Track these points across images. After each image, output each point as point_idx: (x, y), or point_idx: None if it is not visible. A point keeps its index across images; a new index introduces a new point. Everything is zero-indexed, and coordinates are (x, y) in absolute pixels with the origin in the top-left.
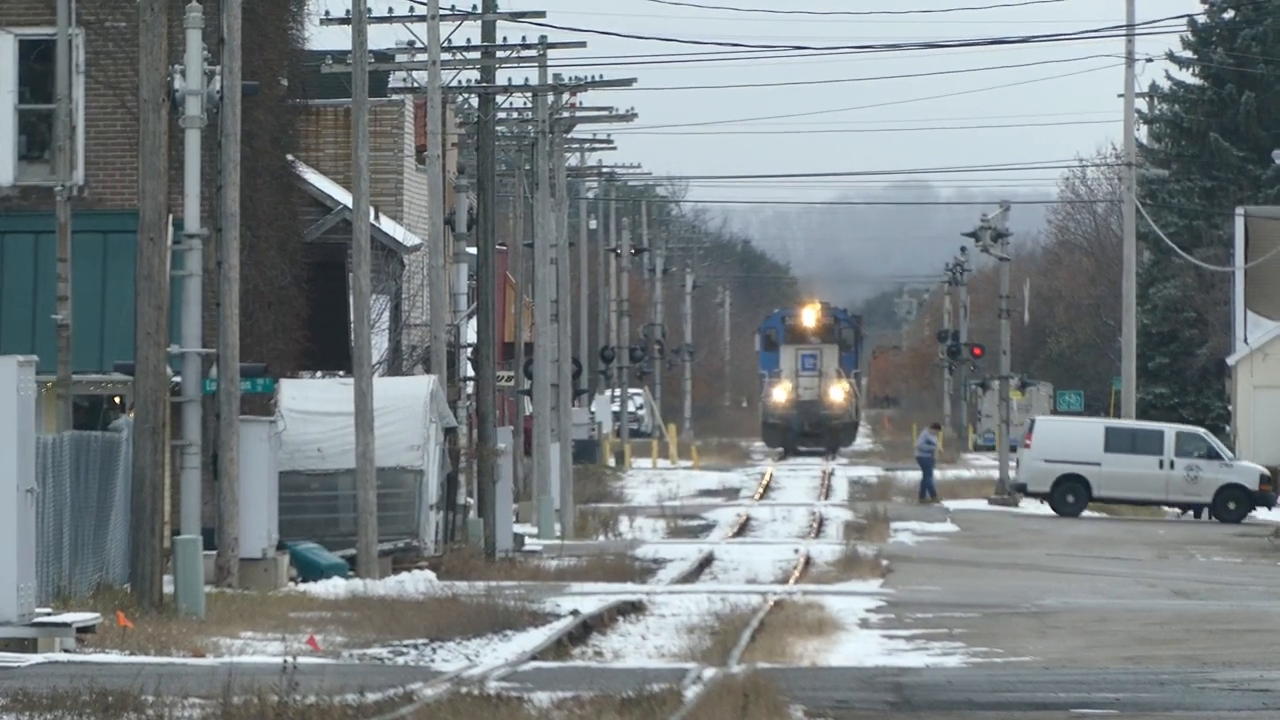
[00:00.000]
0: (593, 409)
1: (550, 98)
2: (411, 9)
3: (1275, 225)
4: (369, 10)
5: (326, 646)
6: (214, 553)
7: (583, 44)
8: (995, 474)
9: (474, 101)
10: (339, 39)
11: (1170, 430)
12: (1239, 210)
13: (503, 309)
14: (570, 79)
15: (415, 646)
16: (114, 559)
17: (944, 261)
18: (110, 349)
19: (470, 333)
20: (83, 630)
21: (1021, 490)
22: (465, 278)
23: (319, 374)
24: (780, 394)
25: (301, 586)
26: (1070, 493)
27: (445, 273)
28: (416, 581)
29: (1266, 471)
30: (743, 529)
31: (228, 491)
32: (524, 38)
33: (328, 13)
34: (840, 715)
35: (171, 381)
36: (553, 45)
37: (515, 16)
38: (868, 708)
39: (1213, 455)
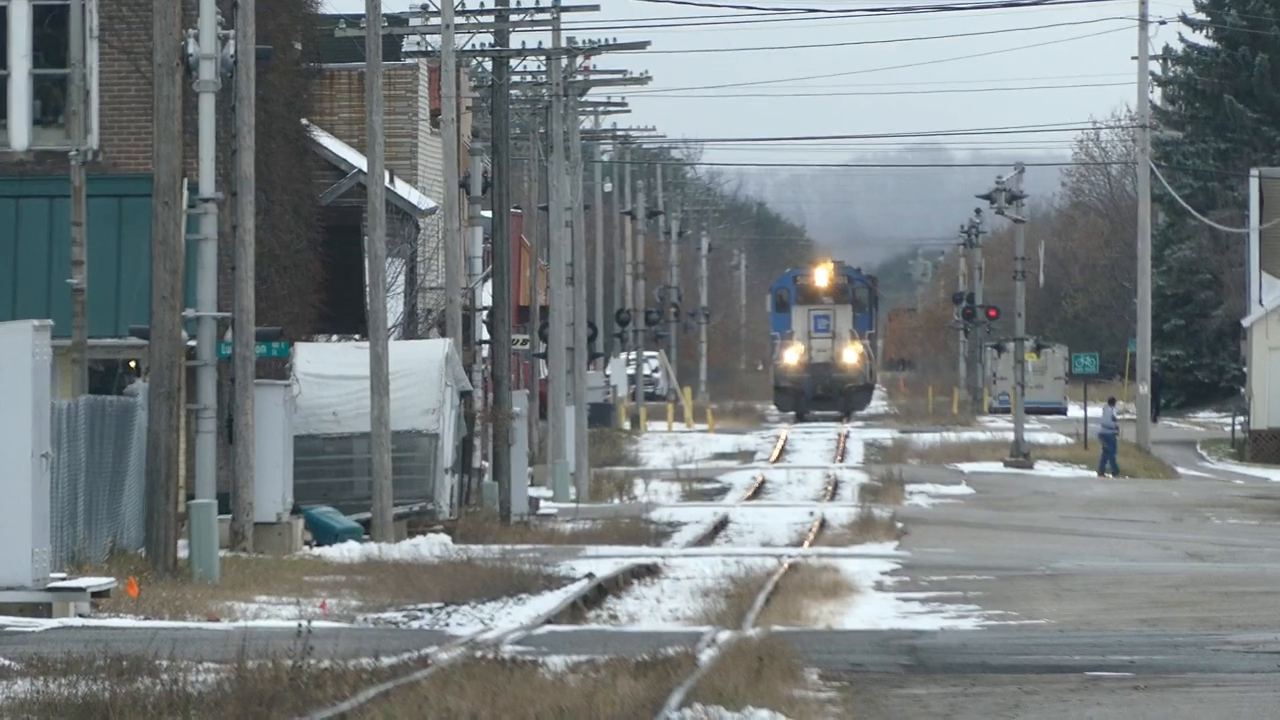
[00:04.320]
0: (608, 372)
1: (564, 61)
2: None
3: None
4: None
5: (341, 610)
6: (229, 517)
7: (596, 7)
8: (1010, 436)
9: (488, 65)
10: (352, 3)
11: None
12: (1253, 172)
13: (518, 272)
14: (584, 42)
15: (430, 610)
16: (129, 523)
17: (959, 224)
18: (125, 313)
19: (485, 296)
20: (97, 595)
21: None
22: (480, 241)
23: (334, 338)
24: (792, 356)
25: (316, 550)
26: None
27: (460, 236)
28: (431, 545)
29: None
30: (758, 492)
31: (243, 456)
32: (537, 1)
33: None
34: (855, 678)
35: (186, 345)
36: (566, 8)
37: None
38: (883, 670)
39: None
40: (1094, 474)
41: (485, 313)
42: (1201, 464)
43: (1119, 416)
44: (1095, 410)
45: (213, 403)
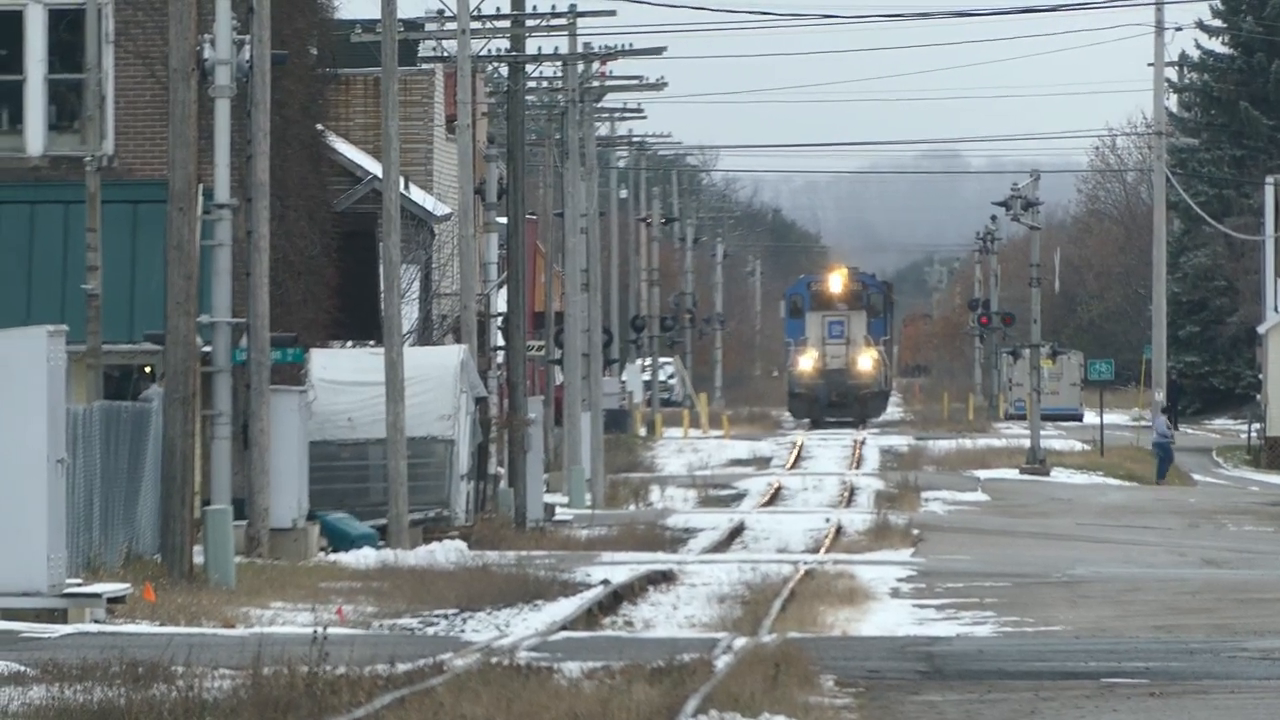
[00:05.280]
0: (623, 378)
1: (580, 67)
2: None
3: None
4: None
5: (357, 617)
6: (244, 523)
7: (612, 13)
8: (1026, 443)
9: (504, 71)
10: (368, 7)
11: None
12: (1269, 179)
13: (533, 278)
14: (600, 48)
15: (445, 616)
16: (144, 529)
17: (974, 230)
18: (140, 319)
19: (501, 302)
20: (113, 601)
21: None
22: (495, 247)
23: (349, 344)
24: (806, 363)
25: (332, 556)
26: None
27: (475, 242)
28: (447, 551)
29: None
30: (773, 498)
31: (258, 462)
32: (553, 6)
33: None
34: (871, 685)
35: (202, 351)
36: (582, 14)
37: None
38: (899, 677)
39: None
40: (1112, 480)
41: (500, 319)
42: (1217, 471)
43: (1138, 422)
44: (1114, 416)
45: (228, 408)
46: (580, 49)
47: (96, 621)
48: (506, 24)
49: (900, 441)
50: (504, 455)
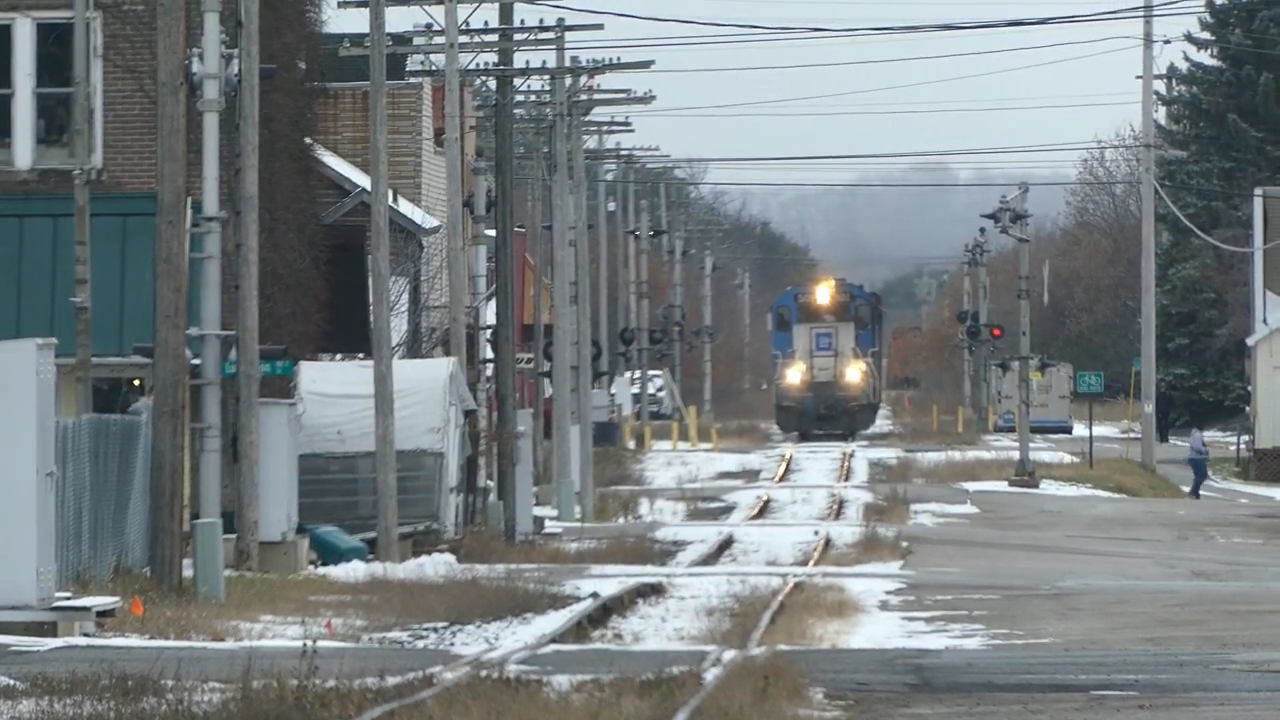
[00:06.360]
0: (612, 391)
1: (568, 80)
2: None
3: None
4: None
5: (346, 630)
6: (233, 536)
7: (600, 26)
8: (1015, 455)
9: (492, 84)
10: (357, 22)
11: None
12: (1258, 191)
13: (522, 291)
14: (588, 62)
15: (435, 630)
16: (133, 542)
17: (963, 243)
18: (129, 332)
19: (489, 315)
20: (102, 614)
21: None
22: (484, 260)
23: (338, 357)
24: (794, 375)
25: (321, 570)
26: None
27: (464, 255)
28: (436, 565)
29: None
30: (762, 511)
31: (247, 475)
32: (541, 20)
33: None
34: (860, 697)
35: (190, 364)
36: (570, 28)
37: None
38: (888, 690)
39: None
40: (1101, 493)
41: (489, 331)
42: (1206, 483)
43: (1127, 434)
44: (1104, 429)
45: (217, 421)
46: (568, 63)
47: (86, 635)
48: (494, 38)
49: (889, 454)
50: (493, 468)
